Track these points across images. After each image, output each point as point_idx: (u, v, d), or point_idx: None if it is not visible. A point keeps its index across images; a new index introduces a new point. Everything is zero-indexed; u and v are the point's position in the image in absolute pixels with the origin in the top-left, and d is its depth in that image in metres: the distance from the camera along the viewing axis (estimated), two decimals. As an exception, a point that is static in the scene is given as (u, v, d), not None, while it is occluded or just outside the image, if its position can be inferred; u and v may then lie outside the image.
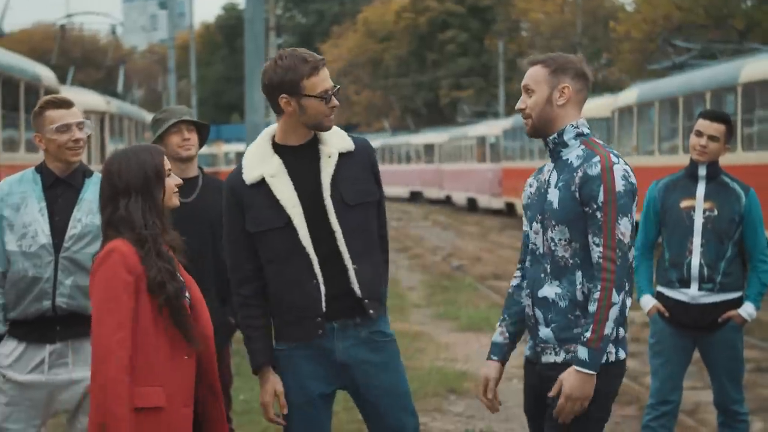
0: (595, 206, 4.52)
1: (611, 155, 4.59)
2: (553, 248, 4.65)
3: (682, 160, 21.92)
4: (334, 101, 4.87)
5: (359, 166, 4.98)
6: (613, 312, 4.46)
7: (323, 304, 4.84)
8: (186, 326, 4.45)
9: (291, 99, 4.83)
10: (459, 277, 20.36)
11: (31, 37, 75.28)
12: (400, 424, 4.99)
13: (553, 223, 4.63)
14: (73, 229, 5.40)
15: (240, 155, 62.97)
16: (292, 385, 4.91)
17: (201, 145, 6.42)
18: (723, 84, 20.63)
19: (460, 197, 49.90)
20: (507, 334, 4.92)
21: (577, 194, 4.57)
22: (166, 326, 4.43)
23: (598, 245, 4.51)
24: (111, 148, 27.10)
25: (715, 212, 6.79)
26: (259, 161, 4.93)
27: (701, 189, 6.85)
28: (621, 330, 4.59)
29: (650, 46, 41.74)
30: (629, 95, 26.97)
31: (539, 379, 4.72)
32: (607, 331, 4.45)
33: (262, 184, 4.88)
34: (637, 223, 4.93)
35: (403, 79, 73.97)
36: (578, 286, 4.57)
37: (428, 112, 74.13)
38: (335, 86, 4.89)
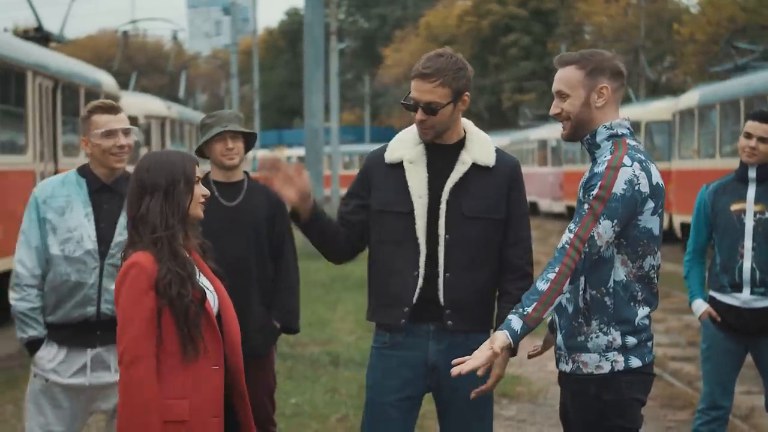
0: (587, 197, 4.39)
1: (625, 157, 4.40)
2: None
3: (743, 163, 21.72)
4: (420, 115, 4.90)
5: (494, 182, 4.97)
6: (558, 300, 4.32)
7: (416, 296, 4.87)
8: (190, 333, 4.36)
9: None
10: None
11: (96, 43, 76.07)
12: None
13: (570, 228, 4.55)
14: (120, 236, 5.41)
15: (301, 160, 63.34)
16: (377, 385, 4.99)
17: (247, 151, 6.43)
18: (785, 86, 20.41)
19: (521, 201, 49.80)
20: None
21: (581, 194, 4.47)
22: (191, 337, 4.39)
23: (571, 231, 4.36)
24: (172, 152, 27.36)
25: (766, 215, 6.71)
26: (404, 146, 5.01)
27: (752, 192, 6.77)
28: (630, 338, 4.45)
29: (714, 49, 41.39)
30: (690, 98, 26.74)
31: (562, 386, 4.70)
32: (546, 315, 4.31)
33: (399, 166, 4.97)
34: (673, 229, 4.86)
35: (465, 83, 73.84)
36: (581, 293, 4.49)
37: (490, 116, 73.98)
38: (422, 103, 4.89)
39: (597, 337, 4.45)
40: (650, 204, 4.41)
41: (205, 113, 48.43)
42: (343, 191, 49.93)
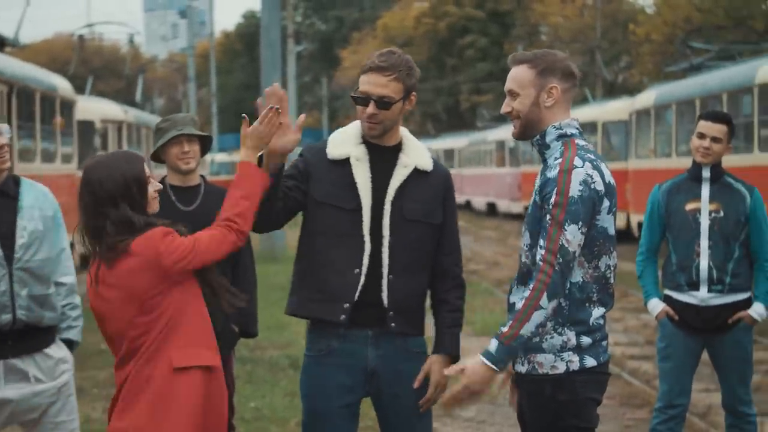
0: (547, 207, 4.37)
1: (576, 158, 4.40)
2: (520, 254, 4.62)
3: (699, 162, 21.86)
4: (371, 109, 4.87)
5: (431, 188, 4.99)
6: (538, 316, 4.29)
7: (357, 294, 4.82)
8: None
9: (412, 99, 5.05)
10: (475, 282, 20.32)
11: (52, 47, 75.64)
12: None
13: (524, 229, 4.59)
14: (21, 238, 5.30)
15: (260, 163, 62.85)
16: (317, 394, 4.91)
17: (203, 155, 6.40)
18: (739, 85, 20.53)
19: (479, 202, 49.88)
20: None
21: (537, 198, 4.47)
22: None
23: (541, 247, 4.34)
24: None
25: (721, 213, 6.77)
26: (348, 143, 4.97)
27: (706, 191, 6.83)
28: (585, 338, 4.44)
29: (670, 49, 41.63)
30: (647, 98, 26.89)
31: (519, 386, 4.67)
32: (524, 332, 4.28)
33: (344, 163, 4.92)
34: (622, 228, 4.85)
35: (422, 84, 73.89)
36: None
37: (448, 117, 74.11)
38: (374, 96, 4.87)
39: (552, 337, 4.43)
40: (606, 203, 4.41)
41: (163, 117, 48.55)
42: (302, 194, 49.90)
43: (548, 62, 4.54)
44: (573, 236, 4.31)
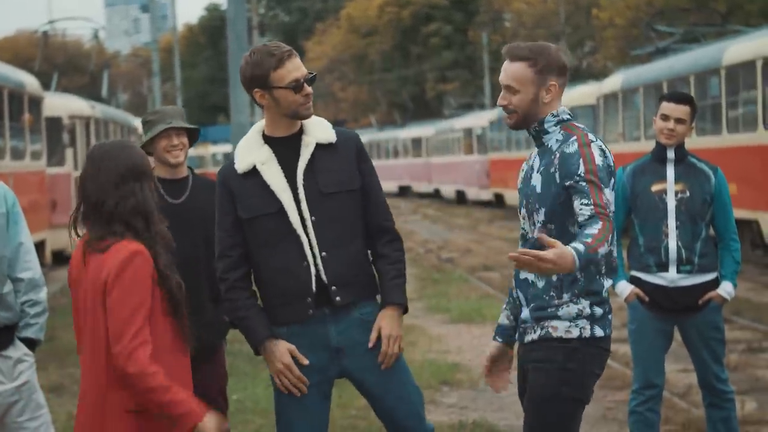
0: (577, 177, 4.52)
1: (588, 135, 4.66)
2: (525, 233, 4.78)
3: (668, 144, 21.97)
4: (307, 89, 4.99)
5: (341, 156, 5.10)
6: (604, 249, 4.32)
7: (313, 285, 4.95)
8: (184, 321, 4.47)
9: (264, 92, 5.00)
10: (449, 270, 20.38)
11: (14, 44, 75.20)
12: (401, 402, 5.07)
13: (537, 206, 4.71)
14: None
15: (227, 156, 62.91)
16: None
17: (190, 146, 6.40)
18: (706, 67, 20.65)
19: (448, 190, 49.95)
20: (511, 317, 5.02)
21: (556, 175, 4.62)
22: (168, 324, 4.43)
23: (587, 204, 4.43)
24: (97, 152, 27.07)
25: (687, 194, 6.80)
26: (250, 151, 5.09)
27: (671, 172, 6.85)
28: (597, 308, 4.64)
29: (634, 32, 41.77)
30: (614, 82, 26.99)
31: (523, 360, 4.78)
32: (600, 252, 4.30)
33: (254, 172, 5.04)
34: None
35: (388, 73, 73.93)
36: None
37: (414, 106, 74.10)
38: (309, 73, 5.02)
39: (568, 306, 4.62)
40: (613, 180, 4.61)
41: (128, 112, 47.95)
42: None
43: (546, 60, 4.71)
44: (609, 197, 4.49)
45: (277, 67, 4.95)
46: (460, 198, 47.80)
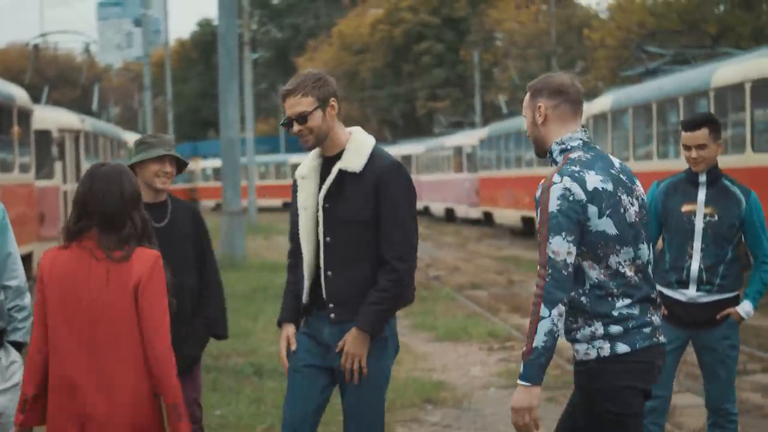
0: (539, 227, 4.76)
1: (556, 175, 4.75)
2: None
3: (656, 166, 22.03)
4: (295, 127, 5.48)
5: (362, 186, 5.43)
6: (542, 326, 4.61)
7: (306, 294, 5.58)
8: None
9: None
10: (437, 287, 20.38)
11: (6, 57, 75.10)
12: (359, 419, 5.49)
13: None
14: None
15: (218, 171, 62.90)
16: (292, 355, 5.60)
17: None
18: (695, 89, 20.70)
19: (438, 208, 49.98)
20: None
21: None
22: None
23: (538, 263, 4.74)
24: (86, 165, 27.02)
25: (716, 217, 6.84)
26: (305, 163, 5.67)
27: (702, 194, 6.89)
28: (613, 327, 4.77)
29: (624, 53, 41.91)
30: (603, 102, 27.04)
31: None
32: (537, 344, 4.61)
33: (300, 181, 5.67)
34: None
35: (379, 91, 74.00)
36: (573, 294, 4.81)
37: (405, 124, 74.18)
38: (293, 116, 5.49)
39: (583, 329, 4.81)
40: (592, 209, 4.73)
41: (119, 126, 47.86)
42: (261, 201, 49.11)
43: (538, 84, 4.99)
44: (558, 246, 4.67)
45: (282, 103, 5.54)
46: (450, 216, 47.83)
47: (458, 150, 46.23)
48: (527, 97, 4.99)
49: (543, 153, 5.02)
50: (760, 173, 17.83)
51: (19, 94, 21.03)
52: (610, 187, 4.77)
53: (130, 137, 39.12)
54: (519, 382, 4.67)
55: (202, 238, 6.64)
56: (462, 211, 45.12)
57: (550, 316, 4.62)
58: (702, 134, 6.80)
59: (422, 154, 54.61)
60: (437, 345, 14.06)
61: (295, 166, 70.41)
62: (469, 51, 65.96)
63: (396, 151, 60.34)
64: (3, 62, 68.89)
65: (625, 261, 4.79)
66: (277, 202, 68.15)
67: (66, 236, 4.88)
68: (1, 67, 62.39)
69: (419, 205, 52.41)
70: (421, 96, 72.02)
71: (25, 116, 21.18)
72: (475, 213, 42.44)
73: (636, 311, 4.79)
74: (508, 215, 36.07)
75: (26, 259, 20.45)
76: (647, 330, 4.80)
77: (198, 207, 6.63)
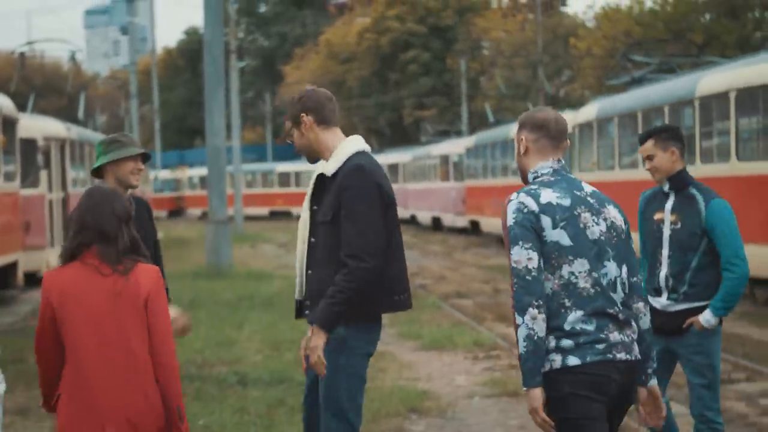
0: None
1: (514, 194, 5.10)
2: None
3: (641, 174, 22.00)
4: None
5: (331, 191, 5.79)
6: (520, 333, 4.87)
7: (297, 291, 6.00)
8: None
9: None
10: (423, 296, 20.36)
11: (-8, 65, 74.94)
12: (323, 406, 5.83)
13: None
14: None
15: (203, 180, 62.88)
16: None
17: None
18: (680, 98, 20.75)
19: (424, 216, 49.97)
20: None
21: None
22: None
23: None
24: (72, 174, 26.97)
25: (679, 225, 6.93)
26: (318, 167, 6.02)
27: (670, 202, 7.02)
28: (565, 341, 4.91)
29: (611, 62, 42.01)
30: (589, 111, 27.09)
31: None
32: (522, 350, 4.87)
33: None
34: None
35: (365, 99, 74.04)
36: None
37: (392, 132, 74.23)
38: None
39: (548, 342, 4.95)
40: (546, 220, 4.98)
41: (106, 134, 47.80)
42: (247, 210, 48.96)
43: (522, 119, 5.33)
44: (518, 255, 4.94)
45: None
46: (436, 224, 47.82)
47: (445, 159, 46.25)
48: (516, 129, 5.34)
49: (525, 181, 5.29)
50: (745, 182, 17.88)
51: (4, 103, 20.99)
52: (566, 202, 5.02)
53: (101, 143, 39.02)
54: (524, 388, 4.94)
55: (155, 230, 7.05)
56: (449, 219, 45.13)
57: (524, 322, 4.86)
58: (648, 146, 7.03)
59: (409, 163, 54.62)
60: (422, 354, 14.05)
61: (282, 175, 70.78)
62: (456, 60, 66.07)
63: (383, 159, 60.33)
64: (-11, 70, 68.67)
65: (579, 272, 4.96)
66: (264, 210, 68.12)
67: (67, 256, 5.20)
68: (-13, 75, 62.18)
69: (406, 214, 52.44)
70: (407, 104, 72.10)
71: (10, 124, 21.14)
72: (462, 222, 42.45)
73: (590, 327, 4.93)
74: (494, 224, 36.08)
75: (11, 268, 20.39)
76: (600, 346, 4.91)
77: (147, 201, 6.85)
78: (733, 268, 6.87)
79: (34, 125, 24.79)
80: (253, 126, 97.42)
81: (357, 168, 5.72)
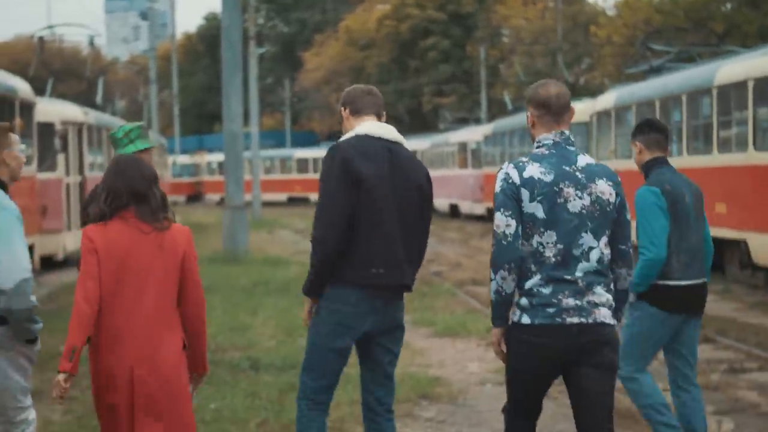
0: None
1: (504, 164, 5.80)
2: None
3: (659, 163, 21.95)
4: None
5: None
6: (492, 286, 5.68)
7: None
8: None
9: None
10: (437, 283, 20.35)
11: (13, 49, 75.16)
12: None
13: None
14: None
15: (222, 165, 62.88)
16: None
17: None
18: (698, 87, 20.68)
19: (442, 203, 49.93)
20: None
21: None
22: None
23: None
24: (89, 158, 27.03)
25: None
26: None
27: None
28: (524, 300, 5.65)
29: (631, 50, 41.86)
30: (607, 99, 27.01)
31: None
32: (491, 298, 5.72)
33: None
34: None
35: (385, 86, 73.94)
36: None
37: (410, 119, 74.15)
38: None
39: (517, 296, 5.75)
40: (524, 192, 5.62)
41: (125, 119, 47.92)
42: (266, 196, 48.89)
43: (530, 93, 5.94)
44: (499, 220, 5.63)
45: None
46: (454, 212, 47.78)
47: (463, 146, 46.20)
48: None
49: None
50: (762, 171, 17.81)
51: (22, 87, 21.06)
52: (548, 178, 5.63)
53: (129, 128, 39.02)
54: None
55: None
56: (466, 207, 45.08)
57: (495, 278, 5.63)
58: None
59: (427, 150, 54.57)
60: (435, 340, 14.03)
61: (300, 161, 70.75)
62: (476, 47, 65.93)
63: (401, 146, 60.29)
64: (10, 54, 68.91)
65: (546, 243, 5.61)
66: (283, 196, 68.16)
67: (103, 216, 5.69)
68: (7, 59, 62.40)
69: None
70: (426, 91, 72.03)
71: (27, 108, 21.20)
72: (479, 209, 42.41)
73: (545, 290, 5.61)
74: (511, 212, 35.98)
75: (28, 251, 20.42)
76: (550, 310, 5.59)
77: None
78: (644, 251, 7.38)
79: (52, 109, 24.85)
80: (272, 112, 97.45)
81: (330, 147, 6.39)
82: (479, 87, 62.94)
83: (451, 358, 12.69)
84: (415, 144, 57.73)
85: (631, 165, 23.24)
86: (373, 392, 6.63)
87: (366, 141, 6.32)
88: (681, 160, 20.81)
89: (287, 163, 70.83)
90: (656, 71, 24.92)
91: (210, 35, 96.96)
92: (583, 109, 30.32)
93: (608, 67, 48.79)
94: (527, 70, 55.65)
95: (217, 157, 70.11)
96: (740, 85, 18.69)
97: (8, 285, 5.94)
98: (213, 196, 71.00)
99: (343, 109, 6.66)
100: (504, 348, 5.74)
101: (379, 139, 6.38)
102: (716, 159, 19.62)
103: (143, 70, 59.70)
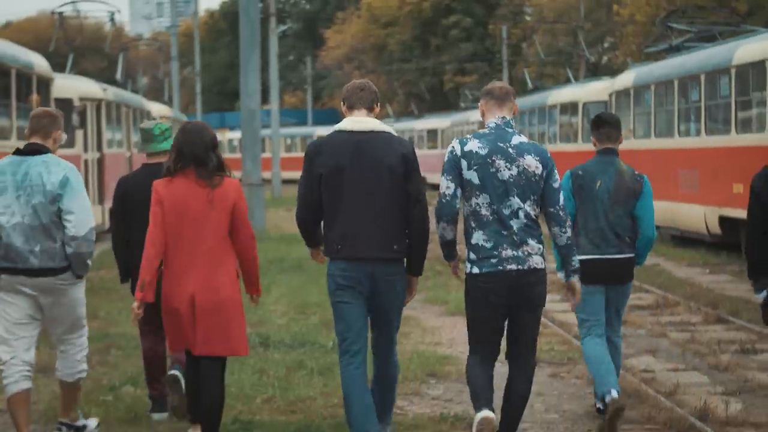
0: None
1: (454, 139, 7.27)
2: None
3: (676, 143, 21.88)
4: None
5: None
6: (437, 232, 7.26)
7: None
8: None
9: None
10: (453, 262, 20.29)
11: (36, 25, 75.39)
12: None
13: None
14: None
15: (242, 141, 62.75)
16: None
17: None
18: (717, 66, 20.55)
19: (462, 182, 49.83)
20: None
21: None
22: None
23: None
24: (108, 135, 27.06)
25: None
26: None
27: None
28: (471, 254, 7.06)
29: (654, 29, 41.61)
30: (626, 78, 26.87)
31: None
32: (439, 241, 7.34)
33: None
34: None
35: (406, 64, 73.74)
36: None
37: (432, 98, 73.97)
38: None
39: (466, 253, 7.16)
40: (463, 162, 7.10)
41: (146, 96, 47.74)
42: (286, 174, 48.60)
43: (481, 91, 7.55)
44: (442, 183, 7.16)
45: None
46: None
47: (482, 125, 46.02)
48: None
49: None
50: (780, 152, 17.69)
51: (39, 62, 21.07)
52: (483, 152, 7.07)
53: (156, 108, 39.05)
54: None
55: None
56: (486, 184, 44.94)
57: (438, 228, 7.22)
58: None
59: (447, 128, 54.45)
60: (447, 319, 14.02)
61: (321, 139, 70.45)
62: (498, 25, 65.66)
63: (422, 124, 60.24)
64: (34, 31, 69.11)
65: (482, 204, 7.05)
66: (303, 174, 68.08)
67: (170, 172, 7.19)
68: (31, 35, 62.60)
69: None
70: (448, 70, 71.77)
71: (44, 84, 21.22)
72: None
73: (488, 245, 7.04)
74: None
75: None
76: (494, 260, 7.03)
77: None
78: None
79: (70, 85, 24.88)
80: (294, 90, 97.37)
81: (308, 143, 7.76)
82: (501, 66, 62.69)
83: (461, 337, 12.58)
84: (436, 122, 57.63)
85: (649, 145, 23.25)
86: (376, 337, 7.58)
87: (336, 136, 7.28)
88: (699, 140, 20.70)
89: (308, 141, 70.70)
90: (676, 50, 24.78)
91: (232, 12, 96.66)
92: (602, 87, 30.24)
93: (630, 46, 48.51)
94: (549, 48, 55.43)
95: (238, 135, 70.10)
96: (759, 65, 18.57)
97: (82, 232, 7.40)
98: (234, 173, 70.88)
99: (342, 104, 7.50)
100: (461, 274, 7.31)
101: (351, 132, 7.24)
102: (735, 139, 19.50)
103: (165, 47, 59.53)
